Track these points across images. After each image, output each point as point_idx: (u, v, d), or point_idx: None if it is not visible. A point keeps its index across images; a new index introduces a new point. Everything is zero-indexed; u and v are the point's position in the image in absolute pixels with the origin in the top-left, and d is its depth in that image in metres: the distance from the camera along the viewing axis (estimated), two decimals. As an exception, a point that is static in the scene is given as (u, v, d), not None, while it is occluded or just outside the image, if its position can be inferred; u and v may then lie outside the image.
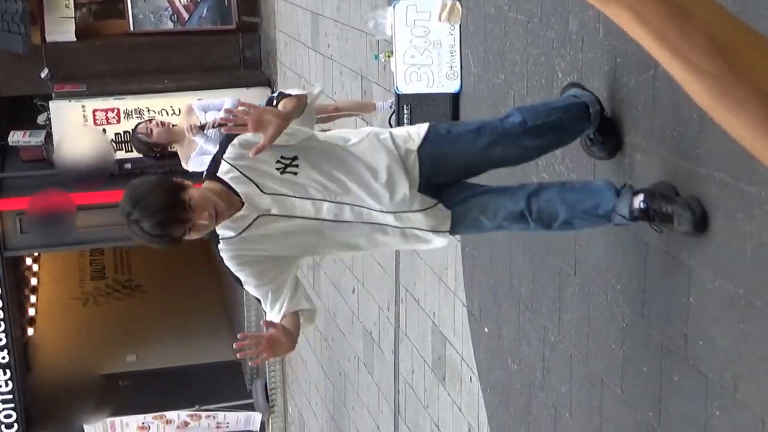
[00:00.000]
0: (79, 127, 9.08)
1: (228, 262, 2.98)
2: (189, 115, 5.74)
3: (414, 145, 3.06)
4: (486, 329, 4.59)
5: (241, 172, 2.92)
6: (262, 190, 2.93)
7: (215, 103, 5.76)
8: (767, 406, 2.56)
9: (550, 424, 3.94)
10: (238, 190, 2.91)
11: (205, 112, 5.66)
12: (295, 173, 2.94)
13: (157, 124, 5.37)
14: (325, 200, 2.95)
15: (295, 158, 2.94)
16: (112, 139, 9.20)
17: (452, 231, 3.11)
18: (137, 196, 2.75)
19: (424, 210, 3.02)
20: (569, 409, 3.76)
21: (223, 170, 2.93)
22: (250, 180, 2.92)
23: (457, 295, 4.97)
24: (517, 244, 4.15)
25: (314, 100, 3.03)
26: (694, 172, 2.82)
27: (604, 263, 3.39)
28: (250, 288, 3.06)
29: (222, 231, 2.95)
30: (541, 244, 3.92)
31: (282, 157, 2.94)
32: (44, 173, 9.58)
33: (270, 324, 2.93)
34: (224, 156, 2.94)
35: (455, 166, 3.10)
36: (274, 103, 2.99)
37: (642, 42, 0.73)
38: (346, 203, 2.97)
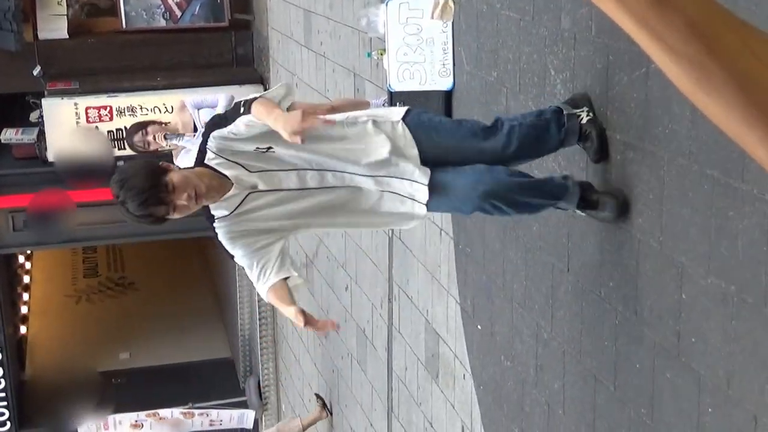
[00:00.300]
0: (80, 127, 9.06)
1: (222, 238, 3.20)
2: (182, 112, 5.73)
3: (396, 117, 3.25)
4: (479, 326, 4.59)
5: (225, 159, 3.14)
6: (248, 170, 3.16)
7: (208, 99, 5.75)
8: (759, 403, 2.56)
9: (544, 421, 3.94)
10: (226, 174, 3.13)
11: (198, 110, 5.65)
12: (274, 156, 3.18)
13: (153, 136, 5.37)
14: (309, 169, 3.18)
15: (269, 147, 3.17)
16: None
17: (429, 205, 3.21)
18: (123, 179, 3.00)
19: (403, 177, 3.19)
20: (562, 406, 3.77)
21: (210, 158, 3.15)
22: (236, 163, 3.15)
23: (450, 293, 4.97)
24: (511, 242, 4.15)
25: (284, 97, 3.12)
26: (687, 169, 2.82)
27: (597, 260, 3.39)
28: (239, 257, 3.23)
29: (216, 211, 3.18)
30: (534, 242, 3.92)
31: (257, 148, 3.16)
32: (37, 171, 9.55)
33: (302, 312, 3.17)
34: (207, 146, 3.15)
35: (439, 143, 3.24)
36: (242, 111, 3.10)
37: (623, 26, 0.74)
38: (328, 170, 3.19)
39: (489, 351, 4.49)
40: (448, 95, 4.68)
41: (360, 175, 3.19)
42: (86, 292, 14.86)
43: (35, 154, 9.58)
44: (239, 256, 3.22)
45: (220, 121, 3.19)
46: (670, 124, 2.89)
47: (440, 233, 5.06)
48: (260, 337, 10.39)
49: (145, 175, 3.00)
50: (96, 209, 9.32)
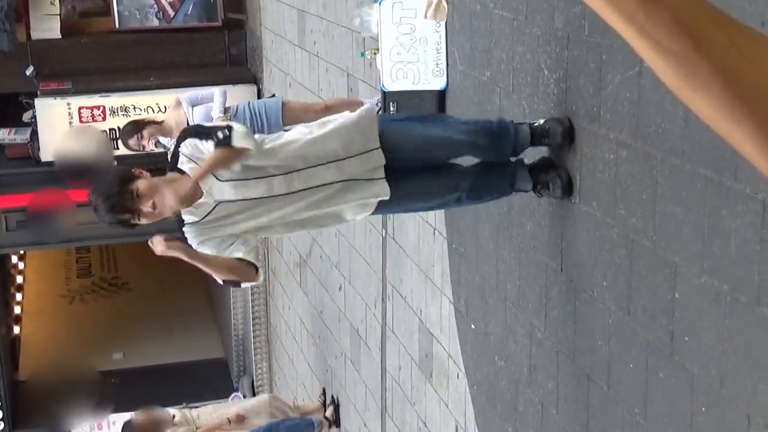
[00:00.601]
0: (80, 125, 9.03)
1: (191, 242, 3.34)
2: (177, 109, 5.71)
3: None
4: (473, 326, 4.59)
5: (197, 164, 3.26)
6: (218, 179, 3.27)
7: (204, 94, 5.73)
8: (753, 402, 2.56)
9: (537, 421, 3.94)
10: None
11: (193, 106, 5.64)
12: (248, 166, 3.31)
13: (149, 139, 5.36)
14: (276, 175, 3.29)
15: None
16: (97, 137, 9.14)
17: (391, 194, 3.36)
18: (96, 185, 3.22)
19: (360, 154, 3.34)
20: (556, 406, 3.77)
21: (182, 162, 3.28)
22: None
23: (444, 293, 4.96)
24: (504, 241, 4.15)
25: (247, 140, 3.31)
26: (679, 168, 2.82)
27: (591, 260, 3.39)
28: (205, 250, 3.37)
29: (186, 216, 3.30)
30: (528, 241, 3.92)
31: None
32: (30, 171, 9.52)
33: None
34: (180, 150, 3.28)
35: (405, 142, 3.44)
36: (216, 140, 3.25)
37: (611, 23, 0.74)
38: (294, 170, 3.31)
39: (483, 350, 4.49)
40: (441, 95, 4.67)
41: (323, 164, 3.32)
42: (80, 292, 14.83)
43: (28, 154, 9.55)
44: (206, 250, 3.34)
45: (198, 131, 3.32)
46: (663, 123, 2.89)
47: (434, 233, 5.05)
48: (254, 337, 10.38)
49: (112, 182, 3.18)
50: (89, 209, 9.28)
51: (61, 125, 9.04)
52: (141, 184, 3.17)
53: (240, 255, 3.33)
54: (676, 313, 2.88)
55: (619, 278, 3.21)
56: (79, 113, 9.23)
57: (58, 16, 9.60)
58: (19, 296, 13.56)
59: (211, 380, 11.53)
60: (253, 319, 10.35)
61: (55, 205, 9.23)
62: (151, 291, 14.31)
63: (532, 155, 3.68)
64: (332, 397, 7.51)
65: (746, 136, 0.72)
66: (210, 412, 7.61)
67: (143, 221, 3.22)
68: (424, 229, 5.19)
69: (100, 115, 9.28)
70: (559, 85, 3.54)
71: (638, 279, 3.09)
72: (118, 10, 9.74)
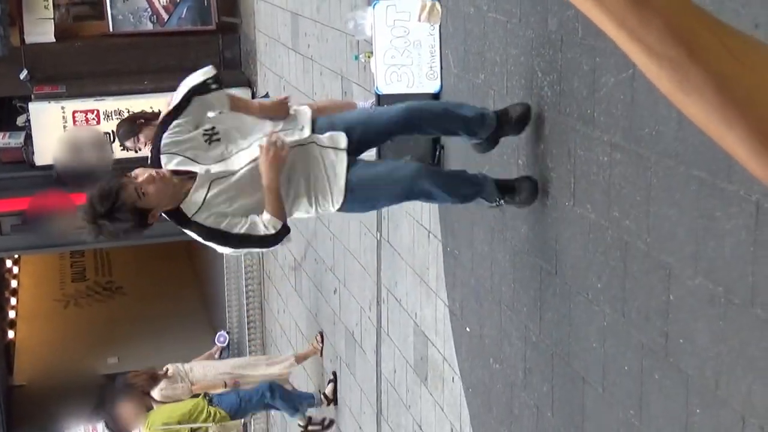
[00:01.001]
0: (80, 127, 9.01)
1: (206, 222, 3.48)
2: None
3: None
4: (468, 329, 4.59)
5: (182, 156, 3.56)
6: (203, 163, 3.55)
7: None
8: (747, 404, 2.57)
9: (533, 423, 3.94)
10: (188, 170, 3.54)
11: None
12: (219, 139, 3.63)
13: (145, 142, 5.34)
14: (252, 144, 3.59)
15: (213, 128, 3.64)
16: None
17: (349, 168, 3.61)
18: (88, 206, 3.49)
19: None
20: (551, 408, 3.77)
21: (165, 162, 3.56)
22: (191, 159, 3.56)
23: (439, 295, 4.96)
24: (498, 244, 4.15)
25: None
26: (673, 170, 2.82)
27: (585, 262, 3.40)
28: (237, 229, 3.54)
29: (191, 203, 3.49)
30: (522, 244, 3.92)
31: (204, 131, 3.63)
32: (24, 175, 9.50)
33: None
34: (162, 152, 3.57)
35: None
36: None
37: (602, 27, 0.74)
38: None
39: (478, 353, 4.49)
40: (435, 98, 4.68)
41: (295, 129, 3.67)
42: (74, 296, 14.80)
43: (22, 158, 9.53)
44: (236, 229, 3.49)
45: (165, 121, 3.65)
46: (657, 125, 2.89)
47: (428, 236, 5.05)
48: (249, 341, 10.37)
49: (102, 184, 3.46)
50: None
51: (56, 129, 9.02)
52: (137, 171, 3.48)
53: (260, 226, 3.49)
54: (671, 315, 2.88)
55: (613, 280, 3.21)
56: (73, 117, 9.22)
57: (52, 20, 9.58)
58: (13, 300, 13.53)
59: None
60: (248, 323, 10.33)
61: (56, 207, 9.20)
62: (146, 295, 14.29)
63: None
64: (333, 373, 7.48)
65: (739, 139, 0.73)
66: (202, 365, 7.65)
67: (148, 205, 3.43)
68: (419, 232, 5.19)
69: (94, 119, 9.27)
70: (553, 87, 3.54)
71: (633, 281, 3.10)
72: (111, 14, 9.74)
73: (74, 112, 9.21)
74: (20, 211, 9.44)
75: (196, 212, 3.48)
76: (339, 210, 3.67)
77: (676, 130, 2.80)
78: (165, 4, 9.77)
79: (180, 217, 3.50)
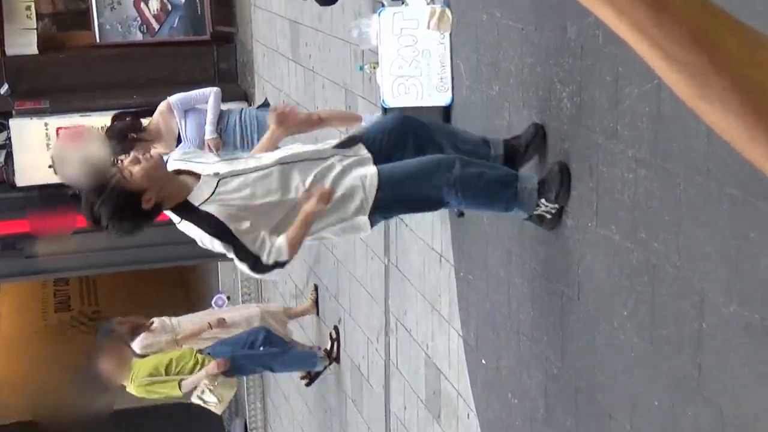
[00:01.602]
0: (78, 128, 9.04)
1: (220, 217, 3.57)
2: (168, 114, 5.70)
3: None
4: (483, 361, 4.58)
5: (190, 162, 3.81)
6: (210, 162, 3.81)
7: (195, 96, 5.72)
8: (787, 441, 2.55)
9: (554, 463, 3.92)
10: (194, 170, 3.76)
11: (186, 111, 5.64)
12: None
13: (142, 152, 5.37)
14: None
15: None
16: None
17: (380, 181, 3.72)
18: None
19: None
20: (574, 447, 3.75)
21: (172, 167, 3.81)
22: (198, 164, 3.81)
23: (452, 325, 4.95)
24: (516, 268, 4.15)
25: None
26: (704, 187, 2.82)
27: (609, 287, 3.39)
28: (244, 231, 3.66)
29: (197, 198, 3.63)
30: (542, 267, 3.91)
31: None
32: (4, 196, 9.54)
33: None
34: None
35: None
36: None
37: (620, 34, 0.74)
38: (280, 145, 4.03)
39: (494, 387, 4.48)
40: (446, 111, 4.69)
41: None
42: (58, 327, 14.80)
43: (2, 178, 9.58)
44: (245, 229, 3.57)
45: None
46: (685, 139, 2.89)
47: (440, 260, 5.05)
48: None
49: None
50: (67, 238, 9.28)
51: (38, 147, 9.06)
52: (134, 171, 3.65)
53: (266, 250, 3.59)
54: (704, 344, 2.87)
55: (640, 307, 3.20)
56: (57, 134, 9.26)
57: (35, 30, 9.65)
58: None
59: (201, 422, 11.47)
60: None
61: (59, 224, 9.17)
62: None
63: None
64: (334, 327, 7.42)
65: (767, 149, 0.72)
66: (190, 320, 7.67)
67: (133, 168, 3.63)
68: (430, 256, 5.19)
69: (79, 136, 9.30)
70: (573, 99, 3.55)
71: (661, 307, 3.09)
72: (98, 24, 9.80)
73: (58, 129, 9.26)
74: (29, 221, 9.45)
75: (204, 202, 3.62)
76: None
77: (706, 144, 2.80)
78: (156, 13, 9.83)
79: (187, 209, 3.64)
